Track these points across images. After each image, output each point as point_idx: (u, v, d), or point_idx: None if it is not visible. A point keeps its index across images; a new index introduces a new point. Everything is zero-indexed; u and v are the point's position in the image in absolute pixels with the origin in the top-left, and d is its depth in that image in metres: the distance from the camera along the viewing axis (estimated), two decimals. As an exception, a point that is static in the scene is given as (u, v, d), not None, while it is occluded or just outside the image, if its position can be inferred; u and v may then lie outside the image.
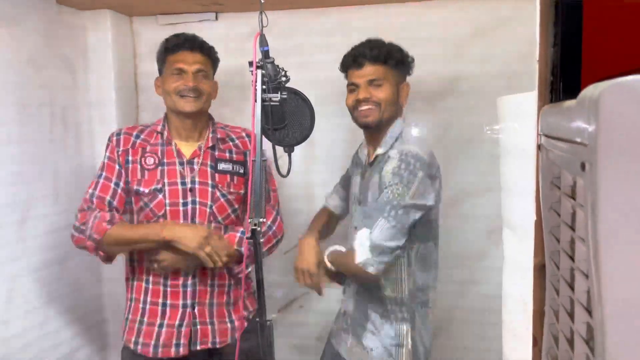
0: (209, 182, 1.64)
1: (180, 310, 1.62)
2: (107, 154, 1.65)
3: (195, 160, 1.65)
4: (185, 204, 1.61)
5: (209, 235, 1.51)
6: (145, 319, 1.63)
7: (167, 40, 1.67)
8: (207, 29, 2.12)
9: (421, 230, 1.54)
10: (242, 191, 1.67)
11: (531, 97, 0.81)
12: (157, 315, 1.62)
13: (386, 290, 1.57)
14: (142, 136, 1.67)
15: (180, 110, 1.62)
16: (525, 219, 0.85)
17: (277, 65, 1.29)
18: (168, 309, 1.62)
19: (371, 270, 1.45)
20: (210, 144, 1.67)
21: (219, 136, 1.69)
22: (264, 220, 1.19)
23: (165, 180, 1.62)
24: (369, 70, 1.55)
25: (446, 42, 1.98)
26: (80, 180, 2.03)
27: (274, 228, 1.71)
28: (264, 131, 1.28)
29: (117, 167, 1.63)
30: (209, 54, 1.68)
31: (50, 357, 1.88)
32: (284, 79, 1.30)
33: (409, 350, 1.56)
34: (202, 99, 1.64)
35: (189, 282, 1.62)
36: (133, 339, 1.64)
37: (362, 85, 1.56)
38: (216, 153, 1.67)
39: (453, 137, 2.01)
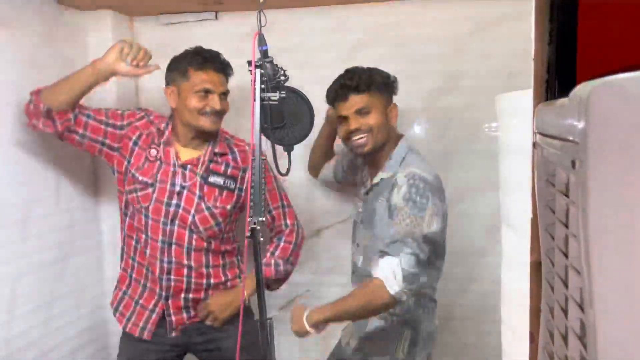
0: (197, 192, 1.66)
1: (155, 297, 1.70)
2: (126, 114, 1.72)
3: (189, 166, 1.67)
4: (169, 204, 1.65)
5: (122, 45, 1.58)
6: (129, 292, 1.75)
7: (192, 53, 1.65)
8: (207, 28, 2.13)
9: (440, 248, 1.58)
10: (228, 206, 1.69)
11: (528, 95, 0.82)
12: (137, 293, 1.74)
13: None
14: (154, 130, 1.71)
15: (202, 129, 1.64)
16: (523, 216, 0.86)
17: (276, 65, 1.29)
18: (146, 291, 1.72)
19: (404, 299, 1.43)
20: (208, 157, 1.69)
21: (217, 150, 1.71)
22: (263, 219, 1.20)
23: (158, 177, 1.66)
24: (355, 101, 1.58)
25: (445, 40, 1.98)
26: (81, 180, 2.04)
27: (299, 242, 1.81)
28: (263, 130, 1.28)
29: (109, 127, 1.69)
30: (231, 72, 1.71)
31: (52, 356, 1.89)
32: (283, 78, 1.31)
33: (410, 344, 1.57)
34: (221, 120, 1.67)
35: (164, 276, 1.68)
36: (114, 305, 1.79)
37: (351, 116, 1.58)
38: (211, 165, 1.69)
39: (452, 134, 2.01)
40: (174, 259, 1.66)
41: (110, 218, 2.09)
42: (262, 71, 1.25)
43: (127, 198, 1.70)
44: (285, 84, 1.32)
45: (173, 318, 1.70)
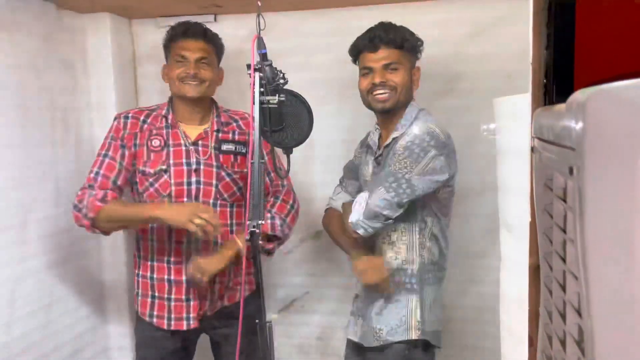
0: (214, 163, 1.70)
1: (185, 285, 1.69)
2: (112, 134, 1.72)
3: (200, 142, 1.71)
4: (189, 184, 1.68)
5: (196, 208, 1.55)
6: (157, 294, 1.72)
7: (172, 27, 1.74)
8: (206, 31, 2.13)
9: (435, 206, 1.57)
10: (245, 169, 1.72)
11: (526, 99, 0.82)
12: (165, 290, 1.71)
13: (397, 261, 1.58)
14: (149, 120, 1.73)
15: (184, 95, 1.69)
16: (522, 220, 0.86)
17: (275, 68, 1.30)
18: (174, 286, 1.70)
19: (360, 232, 1.49)
20: (215, 128, 1.74)
21: (222, 120, 1.76)
22: (263, 222, 1.20)
23: (171, 161, 1.68)
24: (384, 54, 1.55)
25: (445, 42, 1.98)
26: (81, 182, 2.04)
27: (295, 207, 1.82)
28: (262, 133, 1.29)
29: (121, 148, 1.70)
30: (213, 42, 1.74)
31: (52, 359, 1.89)
32: (282, 81, 1.31)
33: (417, 324, 1.56)
34: (205, 85, 1.70)
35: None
36: (147, 312, 1.73)
37: (378, 69, 1.55)
38: (220, 135, 1.73)
39: (452, 135, 2.01)
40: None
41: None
42: (261, 74, 1.26)
43: (144, 199, 1.69)
44: (285, 87, 1.32)
45: (207, 300, 1.71)
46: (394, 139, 1.59)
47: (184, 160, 1.69)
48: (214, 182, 1.69)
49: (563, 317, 0.57)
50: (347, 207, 1.57)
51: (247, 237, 1.19)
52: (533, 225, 0.78)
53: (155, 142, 1.70)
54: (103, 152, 1.70)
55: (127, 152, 1.69)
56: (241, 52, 1.94)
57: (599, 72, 0.68)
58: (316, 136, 2.00)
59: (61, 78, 1.95)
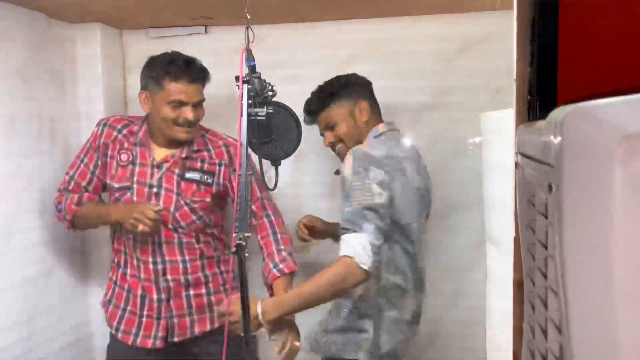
0: (174, 189, 1.67)
1: (156, 303, 1.68)
2: (90, 140, 1.75)
3: (165, 165, 1.68)
4: None
5: (139, 214, 1.54)
6: (128, 307, 1.71)
7: (167, 62, 1.61)
8: (197, 43, 2.13)
9: (391, 230, 1.52)
10: (207, 199, 1.69)
11: (511, 114, 0.82)
12: (137, 306, 1.70)
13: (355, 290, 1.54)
14: (124, 131, 1.72)
15: (176, 138, 1.64)
16: (507, 235, 0.86)
17: (264, 80, 1.30)
18: (147, 301, 1.69)
19: (365, 267, 1.39)
20: (184, 155, 1.69)
21: (195, 147, 1.70)
22: (249, 235, 1.19)
23: (135, 179, 1.67)
24: (322, 119, 1.67)
25: (433, 56, 2.00)
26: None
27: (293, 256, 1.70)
28: (250, 145, 1.28)
29: (96, 156, 1.72)
30: (207, 79, 1.69)
31: (35, 371, 1.86)
32: (270, 93, 1.31)
33: (364, 350, 1.54)
34: (197, 127, 1.68)
35: (161, 278, 1.67)
36: (115, 325, 1.74)
37: (325, 133, 1.69)
38: (187, 163, 1.69)
39: (440, 150, 2.02)
40: (167, 258, 1.67)
41: (95, 232, 2.07)
42: (250, 86, 1.26)
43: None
44: (274, 99, 1.32)
45: (176, 320, 1.69)
46: None
47: (147, 181, 1.67)
48: (172, 208, 1.66)
49: (545, 333, 0.56)
50: (339, 264, 1.44)
51: (234, 249, 1.18)
52: (517, 240, 0.78)
53: (124, 157, 1.69)
54: (81, 156, 1.76)
55: (99, 162, 1.72)
56: (231, 64, 1.95)
57: (581, 89, 0.69)
58: (306, 147, 2.02)
59: (50, 87, 1.94)
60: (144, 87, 1.66)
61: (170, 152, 1.69)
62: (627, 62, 0.65)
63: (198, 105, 1.64)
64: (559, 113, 0.44)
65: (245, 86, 1.25)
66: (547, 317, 0.54)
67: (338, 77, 1.69)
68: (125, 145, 1.69)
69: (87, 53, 2.07)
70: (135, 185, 1.66)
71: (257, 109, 1.27)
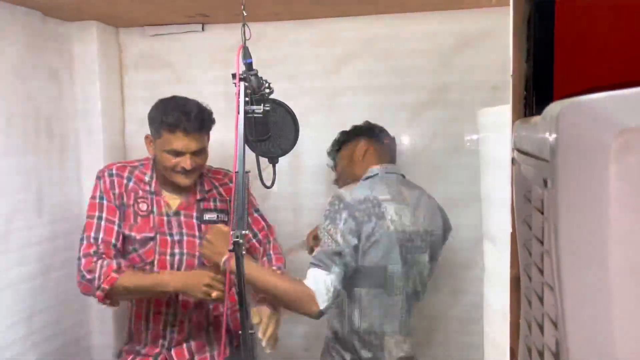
0: (196, 233, 1.66)
1: (158, 348, 1.68)
2: (102, 194, 1.62)
3: (182, 212, 1.66)
4: (172, 255, 1.64)
5: (211, 281, 1.50)
6: (143, 351, 1.69)
7: (167, 111, 1.57)
8: (194, 40, 2.13)
9: (361, 274, 1.55)
10: None
11: (507, 110, 0.82)
12: (141, 342, 1.69)
13: (333, 323, 1.65)
14: (133, 179, 1.65)
15: (175, 182, 1.62)
16: (505, 231, 0.86)
17: (261, 77, 1.30)
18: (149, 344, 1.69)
19: (321, 307, 1.45)
20: (198, 197, 1.68)
21: (206, 187, 1.71)
22: (246, 232, 1.19)
23: (157, 229, 1.63)
24: (335, 169, 1.82)
25: (431, 53, 1.99)
26: (64, 191, 2.02)
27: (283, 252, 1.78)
28: (247, 143, 1.28)
29: (116, 208, 1.62)
30: (208, 127, 1.64)
31: (33, 370, 1.85)
32: (267, 90, 1.31)
33: None
34: (198, 172, 1.65)
35: (167, 329, 1.67)
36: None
37: (336, 175, 1.83)
38: (202, 204, 1.68)
39: (438, 147, 2.02)
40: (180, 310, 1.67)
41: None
42: (247, 84, 1.25)
43: (125, 263, 1.61)
44: (271, 96, 1.32)
45: None
46: None
47: (167, 231, 1.64)
48: (197, 254, 1.65)
49: (541, 329, 0.56)
50: (304, 288, 1.49)
51: (230, 247, 1.18)
52: (514, 236, 0.78)
53: (143, 206, 1.64)
54: (97, 214, 1.60)
55: (119, 213, 1.61)
56: (228, 62, 1.95)
57: (577, 84, 0.69)
58: (303, 145, 2.02)
59: (46, 86, 1.94)
60: (149, 130, 1.64)
61: (182, 197, 1.68)
62: (623, 58, 0.65)
63: (198, 153, 1.60)
64: (554, 108, 0.44)
65: (242, 83, 1.24)
66: (544, 312, 0.54)
67: (353, 126, 1.79)
68: (140, 193, 1.64)
69: (84, 51, 2.06)
70: (158, 236, 1.63)
71: (254, 107, 1.27)
